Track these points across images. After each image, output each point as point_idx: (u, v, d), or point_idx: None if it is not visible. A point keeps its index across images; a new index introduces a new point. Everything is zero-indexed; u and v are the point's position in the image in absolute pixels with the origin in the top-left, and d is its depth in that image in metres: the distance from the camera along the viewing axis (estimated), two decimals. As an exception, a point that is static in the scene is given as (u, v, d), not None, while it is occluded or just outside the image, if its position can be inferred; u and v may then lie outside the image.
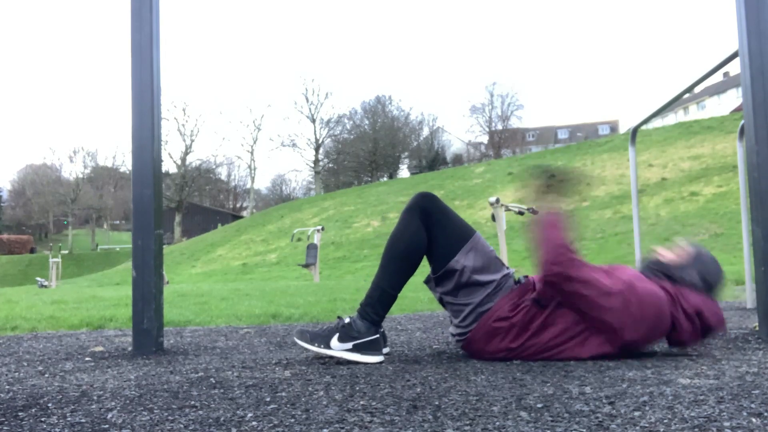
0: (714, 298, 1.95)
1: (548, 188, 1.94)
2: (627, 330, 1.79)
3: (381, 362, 1.92)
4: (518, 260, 12.94)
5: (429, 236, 1.96)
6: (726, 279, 2.00)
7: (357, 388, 1.49)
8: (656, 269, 1.99)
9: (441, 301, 2.03)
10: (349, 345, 1.91)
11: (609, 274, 1.85)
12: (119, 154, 59.79)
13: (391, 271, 1.96)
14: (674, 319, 1.85)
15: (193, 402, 1.38)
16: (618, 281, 1.82)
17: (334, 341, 1.92)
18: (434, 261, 1.97)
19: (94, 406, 1.35)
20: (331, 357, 1.94)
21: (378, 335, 1.94)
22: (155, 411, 1.30)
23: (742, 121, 2.44)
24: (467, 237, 1.95)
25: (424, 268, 2.03)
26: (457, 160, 54.26)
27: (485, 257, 1.93)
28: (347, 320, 1.95)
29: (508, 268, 2.00)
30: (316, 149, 48.88)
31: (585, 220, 17.27)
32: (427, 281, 2.05)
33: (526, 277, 2.01)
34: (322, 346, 1.92)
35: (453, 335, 2.02)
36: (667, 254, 2.02)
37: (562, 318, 1.85)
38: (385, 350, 2.11)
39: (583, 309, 1.81)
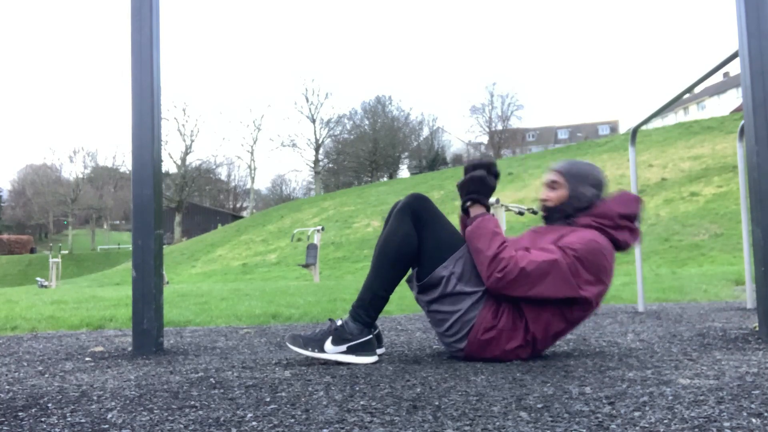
0: (610, 193, 2.03)
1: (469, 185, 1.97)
2: (586, 289, 1.84)
3: (375, 362, 1.92)
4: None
5: (418, 239, 1.95)
6: (598, 169, 2.05)
7: (357, 389, 1.49)
8: (559, 216, 2.04)
9: (421, 305, 2.03)
10: (343, 347, 1.92)
11: (541, 249, 1.88)
12: (119, 154, 59.85)
13: (382, 273, 1.95)
14: (614, 241, 1.94)
15: (193, 402, 1.38)
16: (551, 253, 1.85)
17: (328, 344, 1.92)
18: (421, 265, 1.96)
19: (94, 406, 1.35)
20: (327, 360, 1.94)
21: (371, 336, 1.95)
22: (155, 411, 1.30)
23: (742, 122, 2.44)
24: (458, 245, 1.94)
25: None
26: (457, 160, 54.23)
27: (473, 267, 1.91)
28: (339, 323, 1.95)
29: None
30: (316, 149, 48.86)
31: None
32: (409, 281, 2.04)
33: None
34: (316, 350, 1.93)
35: (445, 345, 2.02)
36: (549, 195, 2.06)
37: (542, 310, 1.87)
38: (380, 351, 2.11)
39: (538, 299, 1.85)
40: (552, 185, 2.05)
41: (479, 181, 1.96)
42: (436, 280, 1.91)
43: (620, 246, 1.96)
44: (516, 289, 1.82)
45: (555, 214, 2.04)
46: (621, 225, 1.95)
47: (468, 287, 1.89)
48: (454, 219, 2.10)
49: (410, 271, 2.03)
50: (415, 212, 1.95)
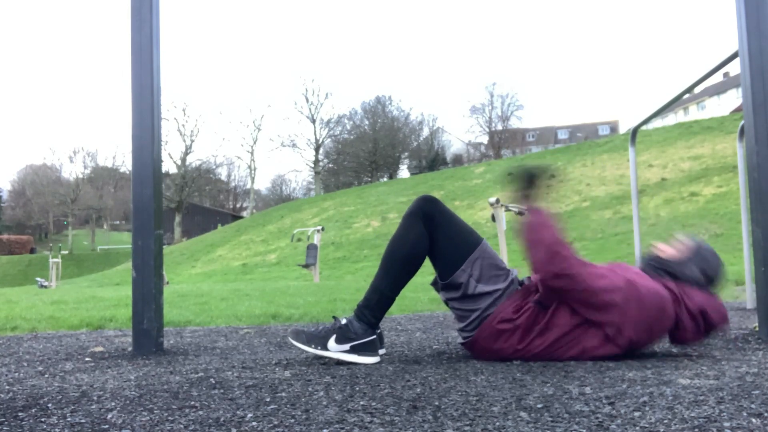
0: (715, 293, 1.95)
1: (531, 189, 1.92)
2: (627, 328, 1.79)
3: (377, 363, 1.92)
4: (518, 260, 12.92)
5: (432, 241, 1.94)
6: (726, 272, 2.01)
7: (357, 389, 1.49)
8: (656, 266, 1.99)
9: (446, 304, 2.03)
10: (347, 346, 1.91)
11: (610, 271, 1.85)
12: (119, 154, 59.86)
13: (391, 274, 1.94)
14: (678, 319, 1.85)
15: (193, 402, 1.38)
16: (619, 278, 1.81)
17: (331, 342, 1.92)
18: (440, 267, 1.96)
19: (94, 407, 1.35)
20: (329, 358, 1.94)
21: (375, 336, 1.95)
22: (155, 411, 1.30)
23: (742, 122, 2.44)
24: (474, 246, 1.93)
25: (426, 269, 2.03)
26: (457, 160, 54.23)
27: (492, 267, 1.92)
28: (344, 321, 1.94)
29: (512, 270, 1.99)
30: (316, 149, 48.83)
31: (585, 220, 17.27)
32: (434, 283, 2.04)
33: (529, 278, 2.00)
34: (319, 347, 1.92)
35: (459, 336, 2.02)
36: (666, 249, 2.02)
37: (565, 318, 1.84)
38: (381, 351, 2.11)
39: (583, 307, 1.81)
40: (675, 244, 2.01)
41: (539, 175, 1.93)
42: (456, 284, 1.91)
43: (679, 326, 1.85)
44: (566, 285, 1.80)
45: (652, 264, 1.99)
46: (695, 314, 1.86)
47: (488, 287, 1.90)
48: (460, 215, 2.09)
49: (427, 273, 2.03)
50: (427, 214, 1.95)
